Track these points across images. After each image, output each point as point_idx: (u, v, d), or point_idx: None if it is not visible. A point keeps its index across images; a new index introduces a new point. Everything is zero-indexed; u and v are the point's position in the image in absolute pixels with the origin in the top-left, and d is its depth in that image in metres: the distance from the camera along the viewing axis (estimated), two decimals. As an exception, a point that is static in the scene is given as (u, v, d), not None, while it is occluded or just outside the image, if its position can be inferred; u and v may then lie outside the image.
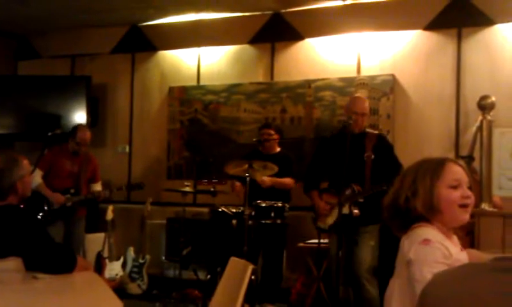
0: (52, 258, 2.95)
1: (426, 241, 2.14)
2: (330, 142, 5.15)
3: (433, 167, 2.26)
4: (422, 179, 2.25)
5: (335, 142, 5.00)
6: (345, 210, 4.68)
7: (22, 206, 3.19)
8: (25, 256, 2.83)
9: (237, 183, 5.83)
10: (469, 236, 4.85)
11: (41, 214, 5.70)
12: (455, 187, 2.19)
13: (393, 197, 2.35)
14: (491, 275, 1.18)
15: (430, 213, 2.23)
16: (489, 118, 5.43)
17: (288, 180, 5.89)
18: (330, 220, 4.96)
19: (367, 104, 5.10)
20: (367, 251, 4.78)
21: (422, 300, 1.28)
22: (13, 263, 2.78)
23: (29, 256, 2.85)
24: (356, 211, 4.67)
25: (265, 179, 5.70)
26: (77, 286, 2.92)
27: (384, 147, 4.98)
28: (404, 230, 2.32)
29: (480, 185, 5.29)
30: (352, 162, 4.69)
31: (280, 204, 5.62)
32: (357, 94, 5.40)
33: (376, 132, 5.12)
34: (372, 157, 4.85)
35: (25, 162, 3.15)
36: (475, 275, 1.24)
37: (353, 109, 4.97)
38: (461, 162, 2.34)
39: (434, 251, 2.09)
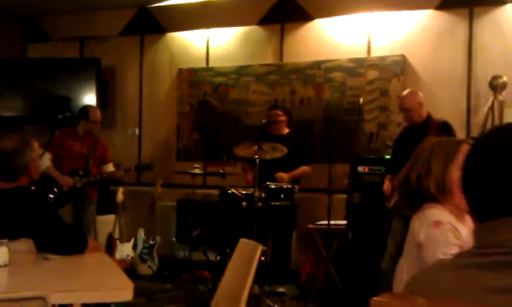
0: (63, 239, 2.97)
1: (437, 223, 2.13)
2: (404, 132, 5.38)
3: (448, 148, 2.24)
4: (436, 159, 2.23)
5: (406, 132, 5.28)
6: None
7: (32, 188, 3.20)
8: (36, 237, 2.85)
9: (249, 175, 5.84)
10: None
11: (51, 196, 5.72)
12: None
13: (405, 174, 2.34)
14: (470, 271, 1.18)
15: (441, 194, 2.21)
16: (500, 98, 5.38)
17: (305, 168, 5.97)
18: (392, 202, 5.09)
19: (408, 99, 5.15)
20: None
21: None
22: (24, 244, 2.80)
23: (40, 237, 2.87)
24: None
25: (284, 176, 5.76)
26: (88, 266, 2.94)
27: (446, 135, 4.97)
28: (415, 209, 2.31)
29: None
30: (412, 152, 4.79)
31: (289, 186, 5.62)
32: (406, 91, 5.35)
33: (441, 120, 5.09)
34: None
35: (36, 145, 3.16)
36: (438, 272, 1.25)
37: (399, 107, 5.30)
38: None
39: (445, 233, 2.08)
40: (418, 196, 2.28)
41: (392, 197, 5.09)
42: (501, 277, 1.13)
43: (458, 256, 1.30)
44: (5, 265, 2.56)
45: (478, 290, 1.14)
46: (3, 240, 2.61)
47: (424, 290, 1.22)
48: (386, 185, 5.17)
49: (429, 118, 5.14)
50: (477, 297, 1.13)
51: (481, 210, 1.24)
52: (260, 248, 2.80)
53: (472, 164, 1.26)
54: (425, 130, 4.97)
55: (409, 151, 4.84)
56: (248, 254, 2.87)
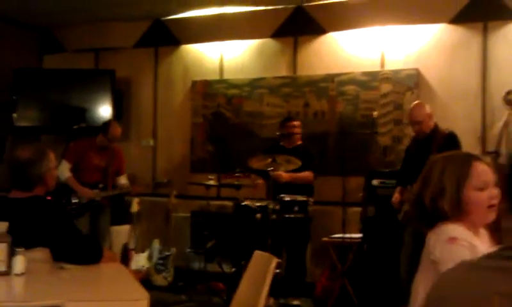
0: (79, 249, 2.99)
1: (452, 240, 2.11)
2: (411, 143, 5.46)
3: (460, 167, 2.21)
4: (449, 179, 2.19)
5: (413, 144, 5.36)
6: (406, 207, 4.97)
7: (49, 198, 3.23)
8: (52, 246, 2.88)
9: (260, 181, 5.85)
10: (499, 233, 4.84)
11: (72, 206, 5.76)
12: (482, 189, 2.16)
13: (417, 195, 2.31)
14: (485, 274, 1.18)
15: (457, 213, 2.19)
16: (515, 112, 5.35)
17: (306, 174, 5.86)
18: (402, 214, 5.12)
19: (418, 111, 5.17)
20: None
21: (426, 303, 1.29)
22: (40, 254, 2.83)
23: (56, 246, 2.90)
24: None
25: (283, 174, 5.68)
26: (103, 277, 2.95)
27: (449, 147, 4.97)
28: (430, 227, 2.28)
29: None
30: (419, 163, 4.81)
31: (303, 199, 5.62)
32: (414, 104, 5.37)
33: (446, 131, 5.12)
34: None
35: (52, 155, 3.19)
36: (470, 275, 1.24)
37: (408, 120, 5.35)
38: (487, 159, 2.30)
39: (460, 249, 2.06)
40: (433, 216, 2.25)
41: (402, 208, 5.11)
42: None
43: (482, 257, 1.30)
44: (22, 274, 2.58)
45: (490, 294, 1.14)
46: (19, 249, 2.64)
47: (448, 292, 1.23)
48: (395, 197, 5.20)
49: (435, 128, 5.15)
50: (488, 300, 1.13)
51: None
52: (274, 260, 2.80)
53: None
54: (430, 142, 5.01)
55: (417, 162, 4.91)
56: (262, 267, 2.87)
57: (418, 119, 5.12)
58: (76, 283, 2.71)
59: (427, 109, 5.18)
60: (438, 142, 4.96)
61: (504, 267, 1.17)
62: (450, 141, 5.01)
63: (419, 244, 4.81)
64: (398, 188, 5.24)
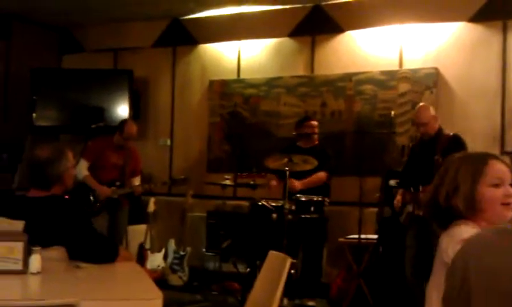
0: (95, 248, 3.00)
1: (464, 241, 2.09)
2: (415, 145, 5.44)
3: (475, 165, 2.20)
4: (464, 176, 2.19)
5: (417, 146, 5.35)
6: (410, 209, 5.02)
7: (66, 197, 3.25)
8: (68, 245, 2.90)
9: (273, 182, 5.81)
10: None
11: (89, 205, 5.80)
12: (497, 185, 2.13)
13: (433, 194, 2.30)
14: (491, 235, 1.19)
15: (471, 211, 2.18)
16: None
17: (320, 175, 5.77)
18: (404, 216, 5.13)
19: (423, 113, 5.16)
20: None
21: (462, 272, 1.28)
22: (56, 253, 2.84)
23: (73, 245, 2.91)
24: (418, 211, 4.92)
25: (296, 184, 5.64)
26: (119, 276, 2.96)
27: (455, 149, 4.93)
28: (445, 227, 2.27)
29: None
30: (423, 164, 5.03)
31: (319, 199, 5.60)
32: (419, 106, 5.38)
33: (451, 133, 5.12)
34: (441, 160, 4.86)
35: (71, 154, 3.21)
36: (496, 237, 1.23)
37: (414, 121, 5.36)
38: (505, 158, 2.28)
39: None
40: (448, 215, 2.24)
41: (404, 210, 5.10)
42: None
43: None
44: (38, 273, 2.59)
45: None
46: (36, 248, 2.65)
47: (474, 252, 1.22)
48: (397, 200, 5.19)
49: (440, 131, 5.13)
50: None
51: None
52: (289, 261, 2.79)
53: None
54: (434, 144, 5.01)
55: (420, 164, 4.93)
56: (277, 267, 2.86)
57: (423, 121, 5.10)
58: (91, 282, 2.72)
59: (432, 111, 5.18)
60: (442, 145, 4.95)
61: None
62: (455, 143, 4.98)
63: (422, 246, 4.86)
64: (400, 191, 5.24)
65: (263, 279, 2.98)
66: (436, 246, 4.79)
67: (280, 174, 5.76)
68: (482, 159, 2.21)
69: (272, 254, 3.06)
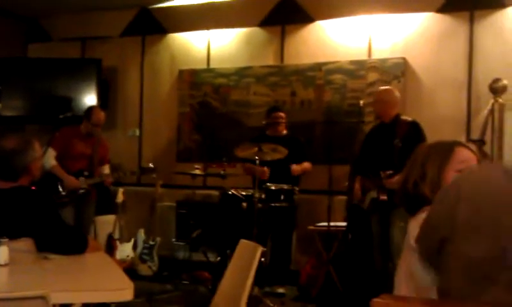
0: (63, 239, 2.97)
1: None
2: (371, 132, 5.45)
3: (442, 152, 2.24)
4: (431, 162, 2.23)
5: (374, 132, 5.37)
6: (374, 195, 5.04)
7: (33, 187, 3.21)
8: (36, 237, 2.86)
9: (266, 168, 5.78)
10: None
11: (58, 196, 5.73)
12: (462, 171, 2.17)
13: (403, 181, 2.35)
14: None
15: None
16: (501, 101, 5.39)
17: (307, 164, 6.00)
18: (367, 202, 5.18)
19: (384, 94, 5.26)
20: (398, 231, 4.85)
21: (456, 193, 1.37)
22: (24, 244, 2.81)
23: (41, 237, 2.88)
24: (383, 197, 4.95)
25: (296, 168, 5.83)
26: (89, 266, 2.94)
27: (414, 135, 4.99)
28: (413, 213, 2.32)
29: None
30: (382, 149, 5.08)
31: (289, 187, 5.63)
32: (382, 88, 5.55)
33: (410, 119, 5.17)
34: (400, 144, 4.91)
35: (38, 144, 3.16)
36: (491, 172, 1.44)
37: (375, 99, 5.40)
38: (471, 145, 2.33)
39: None
40: (416, 201, 2.28)
41: (367, 197, 5.16)
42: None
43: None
44: (5, 265, 2.56)
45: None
46: (3, 240, 2.62)
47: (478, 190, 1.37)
48: (356, 187, 5.26)
49: (397, 116, 5.19)
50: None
51: None
52: (260, 249, 2.81)
53: None
54: (393, 128, 5.06)
55: (378, 150, 5.01)
56: (247, 256, 2.88)
57: (380, 99, 5.23)
58: (61, 274, 2.70)
59: (397, 95, 5.28)
60: (401, 130, 5.01)
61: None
62: (414, 128, 5.05)
63: (386, 230, 4.94)
64: (357, 178, 5.30)
65: (234, 267, 2.99)
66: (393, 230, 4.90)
67: (252, 162, 5.77)
68: (449, 146, 2.26)
69: (243, 243, 3.08)
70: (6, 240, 2.63)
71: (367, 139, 5.45)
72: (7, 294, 2.11)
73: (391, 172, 4.76)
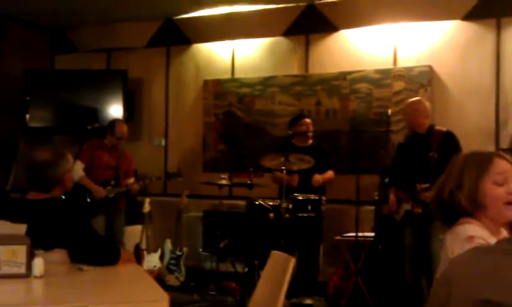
0: (97, 250, 2.99)
1: (469, 238, 2.10)
2: (405, 142, 5.40)
3: (480, 161, 2.21)
4: (468, 172, 2.20)
5: (408, 143, 5.30)
6: (408, 207, 4.98)
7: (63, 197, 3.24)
8: (70, 248, 2.89)
9: (295, 176, 5.76)
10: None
11: (86, 206, 5.78)
12: (501, 184, 2.14)
13: (438, 190, 2.32)
14: (494, 256, 1.24)
15: (474, 208, 2.19)
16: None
17: (330, 173, 5.97)
18: (401, 214, 5.10)
19: (414, 105, 5.17)
20: (438, 244, 4.79)
21: (444, 281, 1.32)
22: (58, 255, 2.83)
23: (74, 248, 2.90)
24: (417, 209, 4.90)
25: (319, 178, 5.77)
26: (123, 278, 2.95)
27: (449, 145, 4.94)
28: (449, 224, 2.28)
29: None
30: (416, 160, 5.02)
31: (316, 197, 5.61)
32: (412, 99, 5.40)
33: (444, 129, 5.09)
34: (436, 156, 4.85)
35: (70, 156, 3.20)
36: (479, 256, 1.30)
37: (406, 112, 5.27)
38: (509, 157, 2.29)
39: None
40: (451, 211, 2.25)
41: (400, 209, 5.09)
42: None
43: (498, 241, 1.34)
44: (41, 276, 2.58)
45: (500, 276, 1.18)
46: (38, 251, 2.64)
47: (458, 272, 1.28)
48: (391, 199, 5.17)
49: (431, 127, 5.11)
50: (494, 278, 1.18)
51: None
52: (292, 261, 2.79)
53: None
54: (428, 140, 4.99)
55: (414, 161, 4.93)
56: (280, 267, 2.86)
57: (412, 112, 5.14)
58: (96, 285, 2.71)
59: (423, 105, 5.18)
60: (436, 141, 4.93)
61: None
62: (450, 139, 4.98)
63: (421, 244, 4.85)
64: (392, 189, 5.21)
65: (266, 279, 2.98)
66: (433, 243, 4.80)
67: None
68: (488, 157, 2.23)
69: (275, 254, 3.06)
70: (41, 251, 2.65)
71: (400, 149, 5.38)
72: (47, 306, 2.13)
73: (427, 185, 4.69)
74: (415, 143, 5.11)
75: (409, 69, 6.38)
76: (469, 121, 6.07)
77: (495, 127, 6.01)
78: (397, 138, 6.31)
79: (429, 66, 6.29)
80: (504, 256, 1.25)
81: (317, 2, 6.82)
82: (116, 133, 5.98)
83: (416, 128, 5.14)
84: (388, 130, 5.76)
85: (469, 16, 6.19)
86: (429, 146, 4.94)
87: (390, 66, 6.50)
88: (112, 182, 6.01)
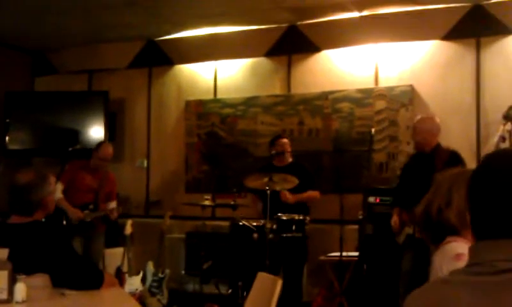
0: (80, 274, 2.94)
1: (459, 256, 2.09)
2: (410, 161, 5.28)
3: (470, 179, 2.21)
4: (457, 190, 2.20)
5: (412, 162, 5.17)
6: (410, 231, 4.80)
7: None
8: (53, 272, 2.83)
9: (259, 205, 5.76)
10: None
11: (62, 228, 5.70)
12: None
13: (425, 206, 2.31)
14: (455, 289, 1.23)
15: (463, 226, 2.18)
16: (514, 127, 5.33)
17: (312, 193, 5.84)
18: (402, 238, 4.96)
19: (423, 125, 5.06)
20: None
21: None
22: (40, 280, 2.77)
23: (57, 272, 2.84)
24: (418, 234, 4.70)
25: (289, 197, 5.64)
26: (106, 302, 2.91)
27: (455, 165, 4.87)
28: (436, 243, 2.27)
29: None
30: (422, 182, 4.74)
31: (300, 217, 5.58)
32: (419, 116, 5.27)
33: (449, 149, 4.99)
34: None
35: (53, 179, 3.15)
36: (430, 289, 1.31)
37: (415, 131, 5.13)
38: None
39: None
40: (439, 229, 2.25)
41: (402, 232, 4.96)
42: (482, 297, 1.16)
43: (452, 273, 1.30)
44: (23, 302, 2.52)
45: None
46: (20, 276, 2.59)
47: (408, 304, 1.28)
48: (394, 220, 4.99)
49: (437, 146, 5.03)
50: None
51: (479, 229, 1.28)
52: (279, 283, 2.77)
53: (473, 185, 1.33)
54: (433, 159, 4.86)
55: (419, 181, 4.86)
56: (266, 289, 2.84)
57: (420, 132, 5.02)
58: (78, 310, 2.66)
59: (431, 123, 5.08)
60: (442, 160, 4.76)
61: (467, 282, 1.21)
62: (455, 159, 4.86)
63: (420, 270, 4.75)
64: (396, 210, 5.05)
65: (253, 301, 2.95)
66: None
67: (259, 194, 5.74)
68: None
69: (261, 276, 3.03)
70: (23, 276, 2.60)
71: (405, 169, 5.27)
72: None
73: None
74: (420, 163, 4.96)
75: (391, 88, 6.42)
76: (450, 140, 6.07)
77: (476, 145, 6.06)
78: (379, 157, 6.35)
79: (411, 86, 6.35)
80: (452, 288, 1.26)
81: (299, 23, 6.86)
82: (100, 154, 5.93)
83: (424, 148, 5.01)
84: (371, 149, 5.78)
85: (449, 36, 6.26)
86: (433, 166, 4.69)
87: (371, 85, 6.54)
88: (91, 206, 5.93)
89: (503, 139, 5.37)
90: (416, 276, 4.83)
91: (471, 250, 1.29)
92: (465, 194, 2.18)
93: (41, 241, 2.94)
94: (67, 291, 2.79)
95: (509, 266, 1.18)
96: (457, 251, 2.14)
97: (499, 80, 6.00)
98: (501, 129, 5.44)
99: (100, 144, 6.07)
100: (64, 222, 5.75)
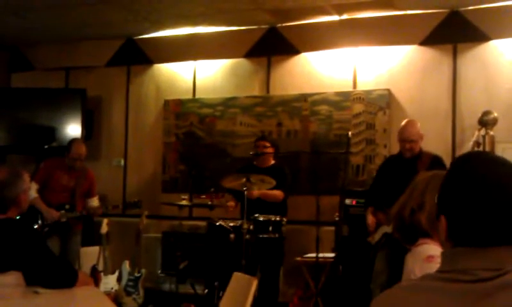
0: (54, 272, 2.92)
1: (430, 258, 2.12)
2: (389, 163, 5.26)
3: None
4: (430, 193, 2.22)
5: (392, 164, 5.13)
6: (388, 230, 4.78)
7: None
8: (26, 270, 2.80)
9: (231, 203, 5.78)
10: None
11: (35, 227, 5.63)
12: None
13: (399, 208, 2.34)
14: (423, 295, 1.22)
15: (434, 229, 2.21)
16: (491, 133, 5.40)
17: (277, 192, 5.76)
18: (376, 237, 4.98)
19: (415, 130, 5.01)
20: None
21: None
22: (13, 278, 2.75)
23: (30, 270, 2.82)
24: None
25: (253, 192, 5.58)
26: (79, 300, 2.88)
27: (437, 169, 4.87)
28: (408, 243, 2.30)
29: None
30: (401, 183, 4.72)
31: (277, 218, 5.59)
32: (407, 120, 5.23)
33: (432, 154, 5.02)
34: None
35: (27, 176, 3.12)
36: (396, 294, 1.29)
37: (400, 137, 5.05)
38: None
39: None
40: (412, 231, 2.27)
41: (376, 233, 5.00)
42: (464, 306, 1.15)
43: (422, 278, 1.29)
44: (-5, 300, 2.50)
45: None
46: (-8, 274, 2.56)
47: None
48: (370, 219, 5.02)
49: (421, 150, 5.04)
50: None
51: (456, 235, 1.25)
52: (255, 283, 2.77)
53: (446, 189, 1.31)
54: (416, 163, 4.90)
55: (397, 184, 4.85)
56: (242, 289, 2.84)
57: (412, 138, 4.97)
58: (52, 308, 2.64)
59: (419, 127, 5.06)
60: (424, 165, 4.79)
61: (442, 289, 1.19)
62: (438, 163, 4.86)
63: (395, 269, 4.78)
64: (370, 209, 5.08)
65: (228, 300, 2.95)
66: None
67: (235, 194, 5.74)
68: None
69: (237, 276, 3.04)
70: (-5, 274, 2.57)
71: (382, 170, 5.28)
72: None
73: None
74: (401, 166, 4.93)
75: (369, 92, 6.48)
76: (427, 144, 6.10)
77: (452, 150, 6.14)
78: (356, 160, 6.40)
79: (388, 90, 6.41)
80: (411, 293, 1.26)
81: (279, 25, 6.88)
82: (71, 154, 5.80)
83: (415, 152, 4.97)
84: (348, 152, 5.82)
85: (426, 42, 6.33)
86: (415, 170, 4.71)
87: (349, 89, 6.59)
88: (67, 206, 5.84)
89: (478, 144, 5.45)
90: (392, 275, 4.86)
91: (446, 255, 1.27)
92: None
93: (15, 238, 2.90)
94: (40, 290, 2.76)
95: (491, 275, 1.17)
96: (428, 253, 2.16)
97: (475, 86, 6.09)
98: (476, 134, 5.52)
99: (71, 143, 5.91)
100: (40, 222, 5.68)
